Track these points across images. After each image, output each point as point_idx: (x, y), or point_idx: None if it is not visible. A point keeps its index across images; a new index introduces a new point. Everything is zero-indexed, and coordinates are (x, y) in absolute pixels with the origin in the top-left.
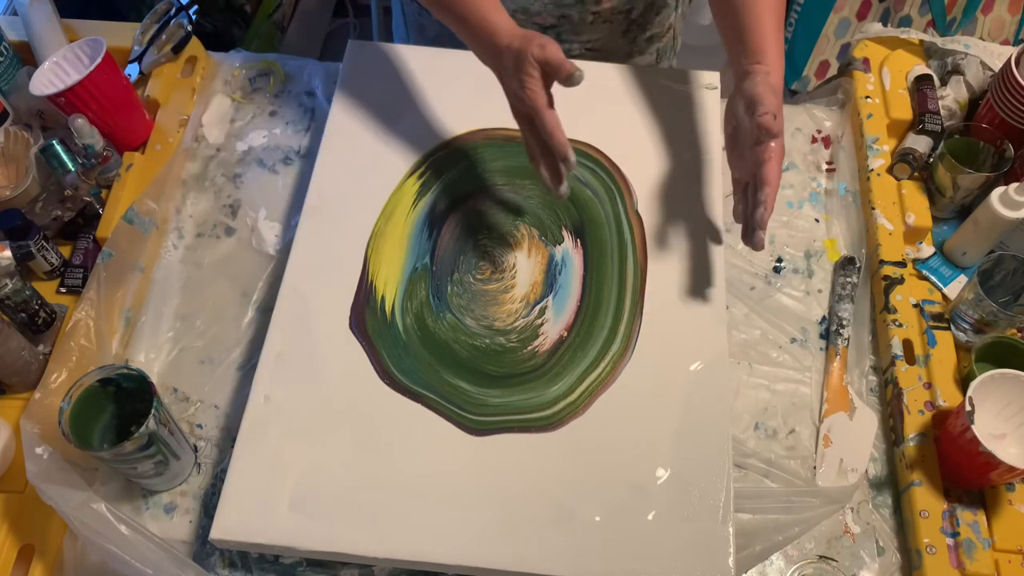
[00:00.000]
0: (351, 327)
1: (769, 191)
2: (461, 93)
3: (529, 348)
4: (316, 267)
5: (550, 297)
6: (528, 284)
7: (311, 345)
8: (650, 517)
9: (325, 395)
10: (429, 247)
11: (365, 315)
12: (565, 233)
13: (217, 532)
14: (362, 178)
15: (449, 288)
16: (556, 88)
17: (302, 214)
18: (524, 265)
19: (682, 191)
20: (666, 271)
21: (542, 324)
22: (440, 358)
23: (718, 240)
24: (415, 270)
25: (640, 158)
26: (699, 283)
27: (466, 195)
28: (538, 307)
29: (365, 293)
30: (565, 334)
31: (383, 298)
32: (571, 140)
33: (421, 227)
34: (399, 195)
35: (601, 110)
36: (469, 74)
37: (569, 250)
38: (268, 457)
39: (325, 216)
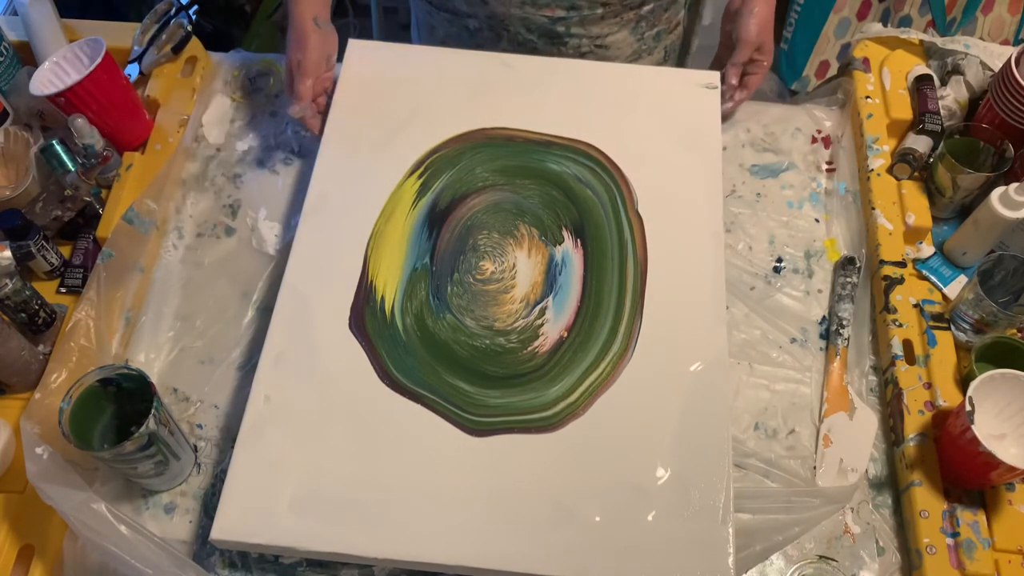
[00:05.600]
0: (351, 327)
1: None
2: (461, 93)
3: (529, 348)
4: (316, 267)
5: (550, 297)
6: (528, 284)
7: (311, 345)
8: (650, 517)
9: (325, 395)
10: (429, 247)
11: (365, 315)
12: (565, 233)
13: (217, 532)
14: (362, 178)
15: (449, 288)
16: (556, 88)
17: (302, 214)
18: (524, 265)
19: (682, 191)
20: (666, 271)
21: (542, 324)
22: (440, 358)
23: (718, 240)
24: (415, 270)
25: (640, 158)
26: (699, 283)
27: (466, 195)
28: (538, 307)
29: (365, 293)
30: (565, 334)
31: (383, 298)
32: (571, 140)
33: (421, 227)
34: (399, 195)
35: (601, 110)
36: (469, 74)
37: (569, 250)
38: (268, 457)
39: (325, 216)
